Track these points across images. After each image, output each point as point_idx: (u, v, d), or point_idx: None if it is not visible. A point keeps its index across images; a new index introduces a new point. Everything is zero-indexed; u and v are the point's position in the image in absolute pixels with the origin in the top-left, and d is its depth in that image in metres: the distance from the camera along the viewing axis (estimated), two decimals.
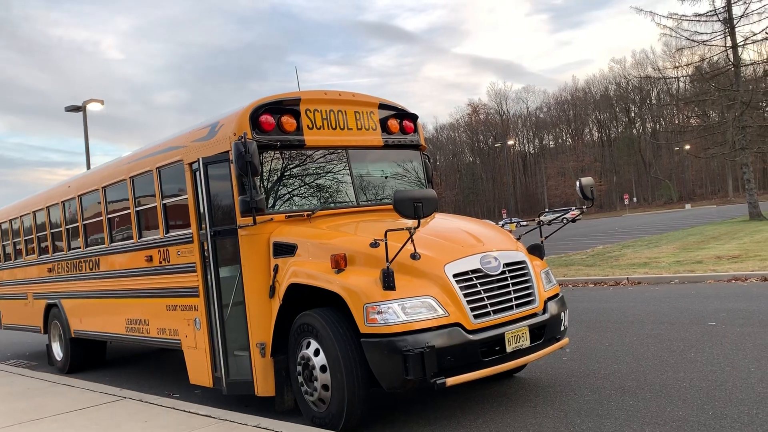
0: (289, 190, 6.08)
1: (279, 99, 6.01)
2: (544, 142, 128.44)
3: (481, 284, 5.02)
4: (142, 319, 7.61)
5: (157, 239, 7.12)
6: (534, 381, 6.30)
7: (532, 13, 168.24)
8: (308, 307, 5.34)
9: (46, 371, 9.55)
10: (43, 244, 10.57)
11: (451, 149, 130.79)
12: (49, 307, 10.26)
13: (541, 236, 6.26)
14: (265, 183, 5.85)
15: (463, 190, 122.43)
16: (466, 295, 4.89)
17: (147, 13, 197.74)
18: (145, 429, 5.46)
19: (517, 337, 5.08)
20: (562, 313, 5.64)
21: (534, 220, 7.00)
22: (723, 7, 30.26)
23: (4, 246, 12.43)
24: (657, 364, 6.40)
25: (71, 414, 6.25)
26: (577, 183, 6.09)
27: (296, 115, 6.03)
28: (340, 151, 6.33)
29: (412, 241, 4.78)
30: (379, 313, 4.67)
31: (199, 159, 6.17)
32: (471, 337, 4.81)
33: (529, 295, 5.33)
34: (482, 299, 4.98)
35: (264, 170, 5.82)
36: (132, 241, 7.69)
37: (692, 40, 31.51)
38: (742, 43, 30.37)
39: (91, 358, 9.83)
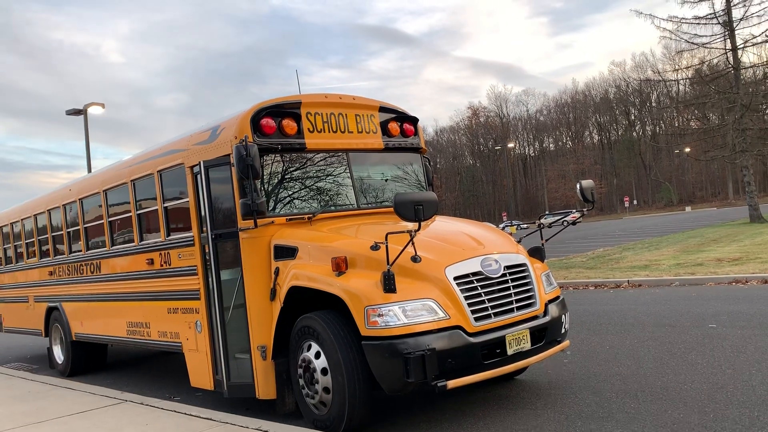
0: (290, 192, 6.09)
1: (280, 102, 6.03)
2: (544, 145, 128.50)
3: (482, 287, 5.02)
4: (143, 322, 7.61)
5: (158, 242, 7.13)
6: (535, 383, 6.30)
7: (531, 16, 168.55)
8: (309, 310, 5.35)
9: (47, 374, 9.55)
10: (44, 247, 10.58)
11: (452, 152, 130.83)
12: (50, 310, 10.26)
13: (542, 239, 6.27)
14: (266, 186, 5.87)
15: (463, 192, 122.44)
16: (466, 298, 4.90)
17: (147, 17, 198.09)
18: None
19: (518, 339, 5.08)
20: (563, 316, 5.64)
21: (534, 222, 7.01)
22: (723, 10, 30.31)
23: (5, 249, 12.44)
24: (658, 366, 6.41)
25: (72, 417, 6.25)
26: (578, 186, 6.10)
27: (297, 119, 6.04)
28: (340, 154, 6.34)
29: (413, 243, 4.79)
30: (379, 315, 4.68)
31: (200, 162, 6.19)
32: (472, 339, 4.81)
33: (529, 297, 5.34)
34: (483, 302, 4.98)
35: (265, 173, 5.83)
36: (133, 244, 7.70)
37: (692, 43, 31.56)
38: (742, 45, 30.42)
39: (92, 361, 9.83)
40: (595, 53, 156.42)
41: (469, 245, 5.32)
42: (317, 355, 5.13)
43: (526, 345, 5.15)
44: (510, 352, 5.02)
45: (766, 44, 30.74)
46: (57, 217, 9.97)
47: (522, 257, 5.50)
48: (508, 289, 5.19)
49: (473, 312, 4.89)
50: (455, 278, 4.92)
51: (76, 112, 25.78)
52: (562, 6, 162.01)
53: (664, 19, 31.58)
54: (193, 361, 6.59)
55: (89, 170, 25.02)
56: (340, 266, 5.03)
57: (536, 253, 6.01)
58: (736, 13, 30.19)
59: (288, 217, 5.87)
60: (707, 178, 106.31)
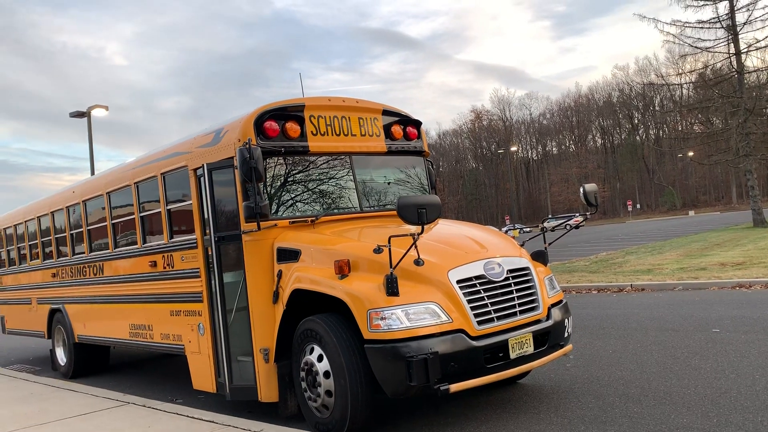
0: (293, 195, 6.10)
1: (283, 105, 6.04)
2: (547, 149, 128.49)
3: (485, 290, 5.02)
4: (146, 325, 7.62)
5: (161, 245, 7.14)
6: (537, 388, 6.29)
7: (534, 20, 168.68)
8: (312, 313, 5.34)
9: (49, 376, 9.56)
10: (47, 249, 10.59)
11: (454, 155, 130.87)
12: (53, 312, 10.28)
13: (545, 242, 6.26)
14: (269, 189, 5.87)
15: (466, 196, 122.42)
16: (469, 302, 4.89)
17: (150, 20, 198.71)
18: None
19: (521, 343, 5.07)
20: (566, 320, 5.63)
21: (537, 226, 6.99)
22: (726, 14, 30.30)
23: (8, 251, 12.46)
24: (661, 371, 6.39)
25: (75, 419, 6.26)
26: (581, 189, 6.09)
27: (300, 122, 6.05)
28: (343, 157, 6.34)
29: (416, 247, 4.79)
30: (382, 319, 4.68)
31: (203, 165, 6.20)
32: (474, 343, 4.80)
33: (532, 301, 5.33)
34: (486, 305, 4.97)
35: (268, 176, 5.84)
36: (136, 246, 7.71)
37: (695, 47, 31.56)
38: (746, 49, 30.42)
39: (95, 363, 9.84)
40: (598, 57, 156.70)
41: (472, 249, 5.31)
42: (320, 358, 5.13)
43: (529, 349, 5.14)
44: (513, 355, 5.01)
45: None
46: (60, 219, 9.99)
47: (525, 261, 5.49)
48: (511, 292, 5.18)
49: (476, 315, 4.88)
50: (458, 282, 4.91)
51: (80, 115, 25.84)
52: (565, 10, 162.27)
53: (667, 23, 31.64)
54: (196, 363, 6.59)
55: (92, 172, 25.07)
56: (342, 269, 5.02)
57: (539, 256, 6.00)
58: (740, 18, 30.23)
59: (291, 220, 5.87)
60: (710, 182, 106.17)
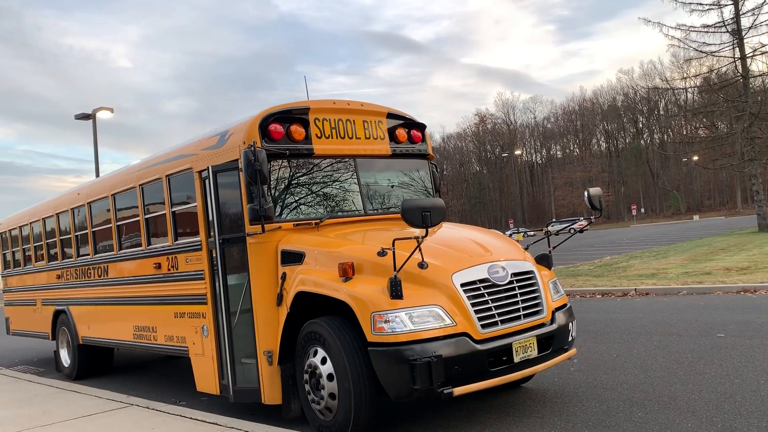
0: (298, 198, 6.11)
1: (288, 108, 6.05)
2: (551, 152, 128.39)
3: (489, 294, 5.01)
4: (150, 326, 7.63)
5: (165, 247, 7.15)
6: (541, 392, 6.27)
7: (539, 24, 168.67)
8: (316, 316, 5.35)
9: (53, 377, 9.58)
10: (52, 251, 10.62)
11: (458, 159, 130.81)
12: (57, 314, 10.30)
13: (549, 246, 6.25)
14: (274, 191, 5.88)
15: (470, 199, 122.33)
16: (473, 305, 4.89)
17: (156, 23, 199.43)
18: None
19: (525, 347, 5.07)
20: (570, 324, 5.62)
21: (541, 230, 6.99)
22: (731, 19, 30.24)
23: (13, 252, 12.50)
24: (665, 375, 6.37)
25: (78, 420, 6.27)
26: (585, 193, 6.09)
27: (305, 124, 6.06)
28: (348, 159, 6.35)
29: (420, 250, 4.79)
30: (386, 322, 4.68)
31: (208, 167, 6.21)
32: (478, 346, 4.80)
33: (536, 305, 5.32)
34: (490, 309, 4.97)
35: (273, 178, 5.85)
36: (141, 248, 7.73)
37: (700, 51, 31.51)
38: (751, 54, 30.33)
39: (99, 365, 9.86)
40: (602, 61, 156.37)
41: (477, 252, 5.31)
42: (323, 361, 5.13)
43: (533, 353, 5.13)
44: (517, 359, 5.00)
45: None
46: (65, 220, 10.02)
47: (529, 264, 5.49)
48: (515, 296, 5.17)
49: (480, 319, 4.88)
50: (462, 285, 4.91)
51: (85, 117, 25.96)
52: (570, 14, 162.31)
53: (672, 27, 31.58)
54: (199, 365, 6.59)
55: (97, 174, 25.15)
56: (346, 272, 5.03)
57: (543, 260, 5.99)
58: (745, 22, 30.15)
59: (295, 223, 5.88)
60: (715, 187, 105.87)
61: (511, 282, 5.17)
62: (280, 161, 5.95)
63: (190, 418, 5.91)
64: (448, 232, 6.02)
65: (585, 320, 10.01)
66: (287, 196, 6.02)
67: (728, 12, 30.65)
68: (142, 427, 5.76)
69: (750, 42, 30.42)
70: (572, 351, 5.67)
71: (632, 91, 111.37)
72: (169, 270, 7.09)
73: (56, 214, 10.31)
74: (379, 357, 4.71)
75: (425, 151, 7.06)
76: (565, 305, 5.74)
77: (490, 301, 4.99)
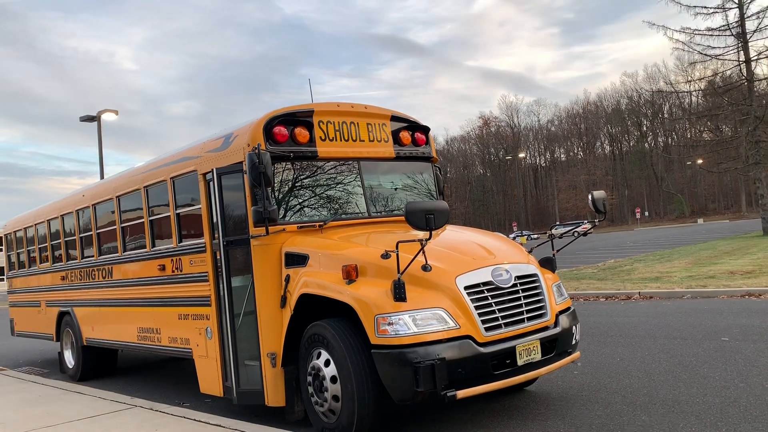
0: (301, 200, 6.12)
1: (292, 111, 6.07)
2: (555, 155, 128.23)
3: (493, 297, 5.01)
4: (154, 328, 7.65)
5: (170, 248, 7.17)
6: (545, 395, 6.27)
7: (543, 27, 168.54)
8: (319, 318, 5.35)
9: (57, 378, 9.60)
10: (56, 252, 10.66)
11: (462, 161, 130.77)
12: (61, 315, 10.33)
13: (553, 249, 6.25)
14: (278, 193, 5.90)
15: (473, 202, 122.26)
16: (477, 308, 4.89)
17: (161, 25, 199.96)
18: None
19: (529, 350, 5.06)
20: (574, 327, 5.61)
21: (545, 233, 6.99)
22: (736, 22, 30.22)
23: (18, 254, 12.55)
24: (669, 379, 6.35)
25: (82, 421, 6.28)
26: (590, 196, 6.09)
27: (309, 127, 6.07)
28: (352, 162, 6.36)
29: (424, 252, 4.79)
30: (389, 324, 4.68)
31: (213, 169, 6.23)
32: (482, 349, 4.80)
33: (540, 308, 5.32)
34: (493, 312, 4.97)
35: (277, 181, 5.87)
36: (145, 250, 7.75)
37: (705, 55, 31.49)
38: (756, 57, 30.31)
39: (103, 366, 9.88)
40: (607, 64, 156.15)
41: (480, 255, 5.31)
42: (327, 363, 5.13)
43: (537, 356, 5.13)
44: (520, 362, 5.00)
45: None
46: (70, 222, 10.05)
47: (533, 267, 5.48)
48: (518, 299, 5.17)
49: (484, 322, 4.88)
50: (466, 288, 4.91)
51: (90, 119, 26.04)
52: (574, 17, 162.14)
53: (677, 31, 31.58)
54: (203, 367, 6.60)
55: (102, 176, 25.23)
56: (350, 274, 5.04)
57: (547, 263, 5.99)
58: (750, 25, 30.14)
59: (299, 225, 5.89)
60: (720, 190, 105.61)
61: (514, 285, 5.17)
62: (284, 164, 5.97)
63: (194, 420, 5.92)
64: (452, 234, 6.02)
65: (589, 323, 10.00)
66: (291, 198, 6.03)
67: (733, 15, 30.67)
68: (146, 429, 5.77)
69: (755, 45, 30.65)
70: (576, 354, 5.66)
71: (636, 94, 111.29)
72: (173, 272, 7.10)
73: (61, 215, 10.34)
74: (382, 359, 4.71)
75: (429, 154, 7.07)
76: (568, 308, 5.73)
77: (493, 304, 4.99)
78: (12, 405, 7.43)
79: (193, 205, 6.72)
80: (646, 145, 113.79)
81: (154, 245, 7.60)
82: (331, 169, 6.27)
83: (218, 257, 6.22)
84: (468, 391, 4.71)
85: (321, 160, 6.17)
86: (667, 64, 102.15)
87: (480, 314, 4.88)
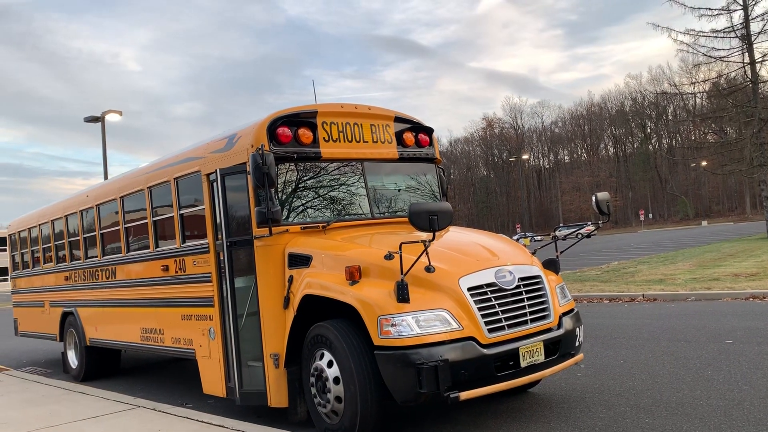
0: (305, 201, 6.12)
1: (296, 111, 6.07)
2: (559, 157, 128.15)
3: (496, 298, 5.00)
4: (157, 329, 7.66)
5: (173, 249, 7.18)
6: (548, 397, 6.25)
7: (546, 28, 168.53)
8: (322, 319, 5.35)
9: (61, 379, 9.61)
10: (60, 253, 10.68)
11: (465, 163, 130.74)
12: (65, 315, 10.34)
13: (556, 251, 6.24)
14: (281, 194, 5.90)
15: (476, 203, 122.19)
16: (480, 309, 4.88)
17: (165, 26, 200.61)
18: None
19: (532, 352, 5.05)
20: (577, 329, 5.60)
21: (549, 234, 6.98)
22: (741, 24, 30.13)
23: (22, 254, 12.57)
24: (673, 381, 6.33)
25: (85, 422, 6.29)
26: (593, 198, 6.07)
27: (313, 128, 6.07)
28: (355, 163, 6.36)
29: (427, 253, 4.79)
30: (393, 325, 4.67)
31: (216, 170, 6.24)
32: (485, 351, 4.79)
33: (543, 309, 5.30)
34: (497, 313, 4.96)
35: (280, 182, 5.87)
36: (148, 250, 7.76)
37: (709, 56, 31.39)
38: (761, 59, 30.20)
39: (106, 367, 9.88)
40: (610, 66, 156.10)
41: (484, 256, 5.30)
42: (330, 364, 5.13)
43: (540, 357, 5.11)
44: (523, 364, 4.98)
45: None
46: (74, 222, 10.07)
47: (536, 269, 5.47)
48: (522, 300, 5.16)
49: (487, 323, 4.87)
50: (469, 289, 4.90)
51: (94, 120, 26.12)
52: (578, 18, 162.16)
53: (681, 32, 31.47)
54: (206, 368, 6.61)
55: (105, 177, 25.28)
56: (353, 275, 5.03)
57: (551, 265, 5.97)
58: (755, 27, 30.05)
59: (302, 226, 5.89)
60: (724, 192, 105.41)
61: (518, 286, 5.16)
62: (288, 164, 5.97)
63: (197, 420, 5.92)
64: (456, 236, 6.02)
65: (592, 325, 9.98)
66: (295, 199, 6.03)
67: (737, 17, 30.56)
68: (149, 429, 5.77)
69: (759, 47, 30.34)
70: (579, 356, 5.65)
71: (640, 95, 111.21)
72: (176, 272, 7.11)
73: (65, 216, 10.36)
74: (385, 361, 4.71)
75: (432, 155, 7.07)
76: (572, 310, 5.72)
77: (497, 306, 4.98)
78: (15, 405, 7.44)
79: (197, 206, 6.73)
80: (650, 146, 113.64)
81: (157, 246, 7.61)
82: (335, 170, 6.27)
83: (221, 258, 6.22)
84: (471, 393, 4.70)
85: (324, 161, 6.17)
86: (671, 65, 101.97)
87: (483, 316, 4.87)
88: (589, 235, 6.65)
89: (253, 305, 5.88)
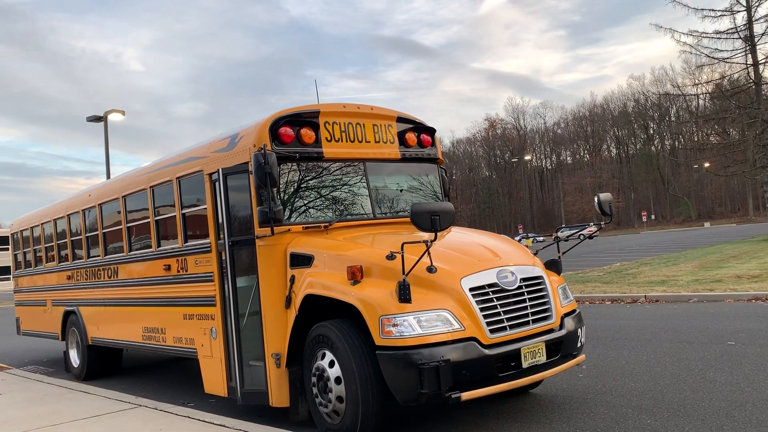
0: (307, 201, 6.12)
1: (298, 111, 6.07)
2: (561, 158, 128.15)
3: (498, 299, 5.00)
4: (159, 328, 7.66)
5: (175, 248, 7.18)
6: (549, 398, 6.25)
7: (549, 29, 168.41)
8: (324, 319, 5.35)
9: (63, 378, 9.63)
10: (62, 252, 10.69)
11: (468, 163, 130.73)
12: (67, 314, 10.36)
13: (558, 252, 6.23)
14: (283, 194, 5.90)
15: (479, 204, 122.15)
16: (482, 310, 4.87)
17: (168, 27, 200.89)
18: None
19: (533, 352, 5.04)
20: (579, 330, 5.59)
21: (551, 235, 6.97)
22: (744, 25, 30.12)
23: (25, 253, 12.59)
24: (675, 383, 6.32)
25: (87, 420, 6.30)
26: (596, 198, 6.06)
27: (315, 128, 6.07)
28: (357, 163, 6.36)
29: (429, 254, 4.78)
30: (394, 325, 4.67)
31: (218, 169, 6.24)
32: (487, 351, 4.78)
33: (545, 310, 5.30)
34: (498, 314, 4.95)
35: (282, 181, 5.87)
36: (150, 249, 7.77)
37: (712, 58, 31.37)
38: (764, 60, 30.16)
39: (108, 366, 9.90)
40: (613, 67, 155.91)
41: (486, 257, 5.30)
42: (331, 364, 5.13)
43: (542, 358, 5.11)
44: (525, 365, 4.98)
45: None
46: (76, 221, 10.08)
47: (538, 270, 5.47)
48: (524, 301, 5.15)
49: (488, 324, 4.86)
50: (471, 289, 4.90)
51: (97, 119, 26.17)
52: (581, 19, 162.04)
53: (684, 34, 31.50)
54: (208, 367, 6.61)
55: (108, 176, 25.32)
56: (355, 275, 5.03)
57: (553, 266, 5.97)
58: (758, 28, 30.03)
59: (304, 226, 5.89)
60: (727, 194, 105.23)
61: (520, 287, 5.15)
62: (290, 164, 5.97)
63: (198, 420, 5.93)
64: (457, 236, 6.01)
65: (594, 326, 9.96)
66: (297, 199, 6.03)
67: (741, 18, 30.56)
68: (150, 429, 5.78)
69: (763, 48, 30.35)
70: (581, 357, 5.64)
71: (643, 97, 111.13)
72: (178, 272, 7.11)
73: (67, 215, 10.38)
74: (387, 361, 4.70)
75: (435, 155, 7.06)
76: (574, 311, 5.71)
77: (498, 306, 4.98)
78: (17, 404, 7.45)
79: (199, 206, 6.73)
80: (653, 148, 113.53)
81: (159, 245, 7.62)
82: (337, 170, 6.27)
83: (223, 257, 6.22)
84: (472, 393, 4.70)
85: (327, 160, 6.17)
86: (674, 66, 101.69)
87: (485, 316, 4.86)
88: (591, 236, 6.64)
89: (254, 305, 5.88)
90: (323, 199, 6.19)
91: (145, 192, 7.84)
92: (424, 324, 4.68)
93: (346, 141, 6.27)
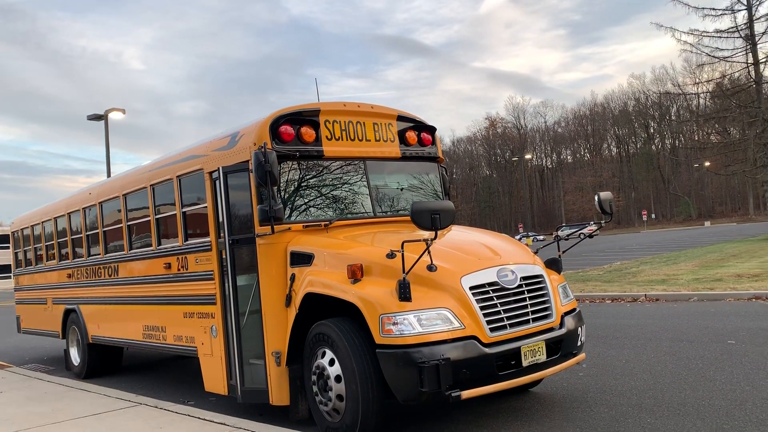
0: (307, 200, 6.12)
1: (299, 110, 6.07)
2: (561, 157, 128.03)
3: (498, 297, 5.00)
4: (159, 326, 7.67)
5: (175, 247, 7.19)
6: (550, 396, 6.25)
7: (550, 28, 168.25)
8: (324, 317, 5.35)
9: (63, 376, 9.63)
10: (63, 250, 10.69)
11: (468, 162, 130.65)
12: (67, 313, 10.36)
13: (559, 251, 6.23)
14: (284, 192, 5.90)
15: (479, 203, 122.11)
16: (482, 308, 4.88)
17: (169, 25, 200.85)
18: None
19: (534, 351, 5.05)
20: (579, 328, 5.59)
21: (551, 234, 6.96)
22: (745, 24, 30.09)
23: (25, 251, 12.60)
24: (675, 381, 6.32)
25: (87, 419, 6.30)
26: (596, 197, 6.07)
27: (315, 126, 6.07)
28: (358, 162, 6.36)
29: (429, 252, 4.78)
30: (394, 324, 4.67)
31: (219, 168, 6.24)
32: (487, 350, 4.78)
33: (545, 309, 5.30)
34: (498, 312, 4.96)
35: (283, 180, 5.87)
36: (151, 248, 7.77)
37: (713, 57, 31.35)
38: (765, 59, 30.13)
39: (108, 364, 9.91)
40: (614, 66, 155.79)
41: (486, 255, 5.30)
42: (331, 363, 5.13)
43: (542, 357, 5.11)
44: (525, 363, 4.98)
45: None
46: (77, 220, 10.08)
47: (539, 268, 5.47)
48: (524, 300, 5.16)
49: (489, 322, 4.86)
50: (471, 288, 4.90)
51: (97, 118, 26.19)
52: (581, 18, 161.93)
53: (685, 32, 31.48)
54: (208, 365, 6.61)
55: (108, 175, 25.32)
56: (355, 274, 5.03)
57: (553, 264, 5.97)
58: (759, 27, 30.03)
59: (305, 224, 5.89)
60: (727, 193, 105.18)
61: (520, 286, 5.16)
62: (290, 163, 5.97)
63: (198, 418, 5.93)
64: (458, 235, 6.01)
65: (594, 325, 9.97)
66: (297, 197, 6.03)
67: (741, 17, 30.57)
68: (151, 427, 5.78)
69: (763, 47, 30.34)
70: (581, 356, 5.64)
71: (644, 96, 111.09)
72: (178, 270, 7.12)
73: (68, 213, 10.38)
74: (387, 359, 4.71)
75: (435, 154, 7.06)
76: (574, 310, 5.71)
77: (498, 305, 4.98)
78: (17, 402, 7.46)
79: (199, 204, 6.73)
80: (653, 147, 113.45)
81: (160, 243, 7.62)
82: (337, 168, 6.27)
83: (224, 256, 6.22)
84: (472, 392, 4.70)
85: (327, 159, 6.17)
86: (674, 65, 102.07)
87: (485, 315, 4.87)
88: (591, 235, 6.64)
89: (254, 303, 5.89)
90: (323, 197, 6.19)
91: (145, 190, 7.84)
92: (425, 322, 4.68)
93: (347, 139, 6.27)
